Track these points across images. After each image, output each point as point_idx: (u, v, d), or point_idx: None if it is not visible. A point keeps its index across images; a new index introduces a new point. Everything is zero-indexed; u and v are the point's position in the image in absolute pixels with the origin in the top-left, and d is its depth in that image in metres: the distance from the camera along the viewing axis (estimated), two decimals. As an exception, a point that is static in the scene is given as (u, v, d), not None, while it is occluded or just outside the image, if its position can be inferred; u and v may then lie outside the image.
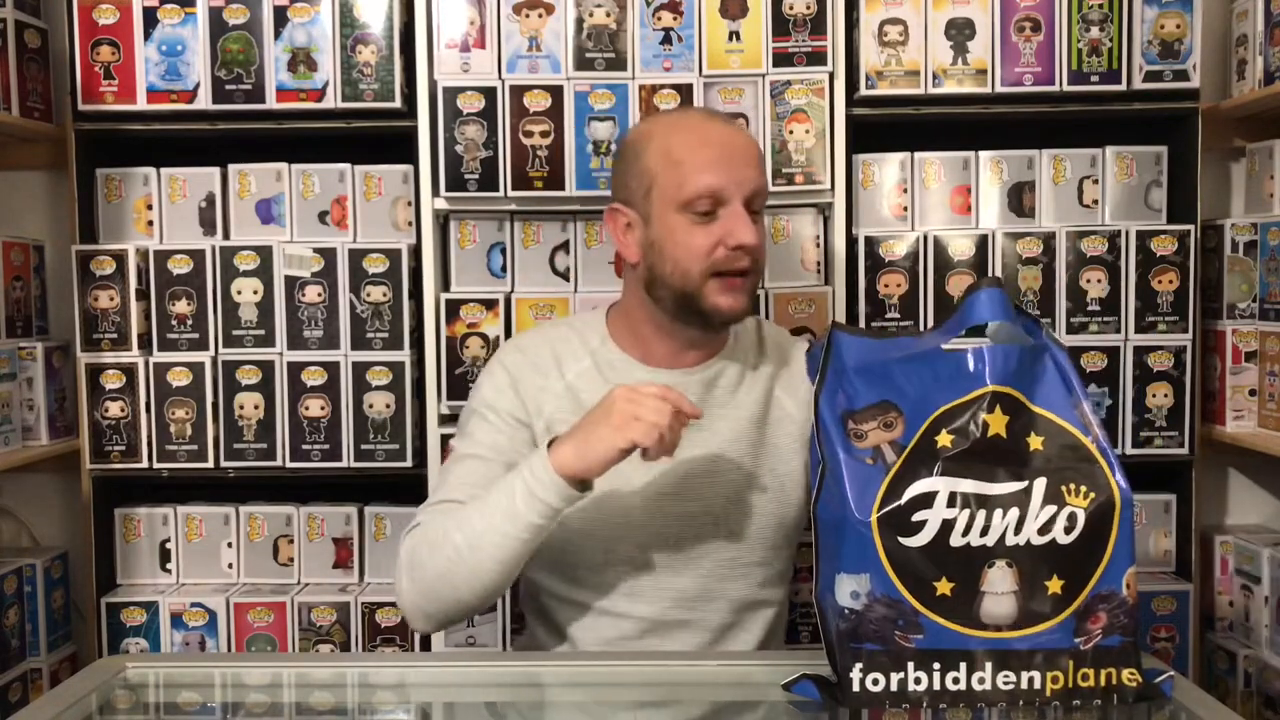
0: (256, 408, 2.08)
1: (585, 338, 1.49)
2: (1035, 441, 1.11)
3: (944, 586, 1.09)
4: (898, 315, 2.04)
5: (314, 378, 2.07)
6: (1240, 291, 2.09)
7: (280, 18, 2.05)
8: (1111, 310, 2.06)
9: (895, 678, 1.10)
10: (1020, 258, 2.05)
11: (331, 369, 2.07)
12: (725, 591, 1.43)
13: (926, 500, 1.09)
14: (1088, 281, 2.05)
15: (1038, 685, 1.10)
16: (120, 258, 2.08)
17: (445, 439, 2.01)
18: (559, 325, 1.54)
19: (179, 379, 2.08)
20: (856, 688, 1.11)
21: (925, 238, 2.05)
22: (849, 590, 1.10)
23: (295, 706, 1.33)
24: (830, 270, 2.03)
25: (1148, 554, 2.14)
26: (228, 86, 2.06)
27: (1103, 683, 1.10)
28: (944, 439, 1.11)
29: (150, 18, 2.06)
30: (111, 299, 2.09)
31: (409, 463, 2.07)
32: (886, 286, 2.04)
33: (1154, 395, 2.06)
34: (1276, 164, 2.08)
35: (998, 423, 1.11)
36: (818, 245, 2.05)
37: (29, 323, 2.20)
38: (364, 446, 2.07)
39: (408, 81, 2.05)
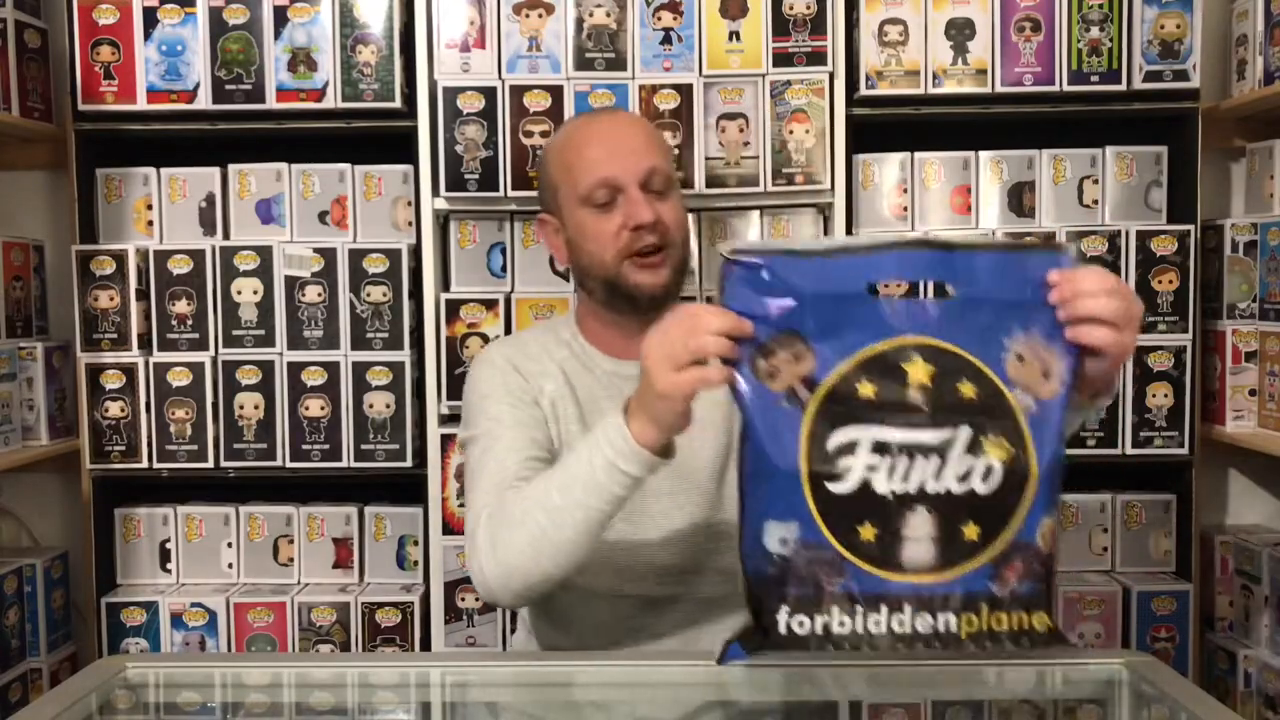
0: (256, 408, 2.08)
1: (559, 333, 1.55)
2: (966, 390, 1.11)
3: (867, 532, 1.11)
4: (898, 315, 2.04)
5: (314, 378, 2.07)
6: (1240, 291, 2.09)
7: (280, 18, 2.05)
8: (1111, 310, 2.05)
9: (819, 620, 1.12)
10: (1020, 258, 2.05)
11: (331, 369, 2.07)
12: (713, 563, 1.43)
13: (850, 448, 1.10)
14: (1088, 281, 2.05)
15: (954, 628, 1.12)
16: (120, 258, 2.08)
17: (445, 439, 2.01)
18: (531, 328, 1.64)
19: (179, 379, 2.08)
20: (782, 629, 1.12)
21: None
22: (777, 537, 1.11)
23: (295, 706, 1.33)
24: (830, 270, 2.03)
25: (1148, 554, 2.14)
26: (228, 86, 2.06)
27: (1015, 626, 1.13)
28: (866, 388, 1.11)
29: (150, 18, 2.06)
30: (111, 299, 2.09)
31: (409, 463, 2.07)
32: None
33: (1154, 395, 2.06)
34: (1276, 164, 2.08)
35: (921, 372, 1.11)
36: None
37: (29, 323, 2.20)
38: (364, 446, 2.07)
39: (408, 81, 2.05)
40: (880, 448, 1.10)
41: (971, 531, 1.11)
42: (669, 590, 1.43)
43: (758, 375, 1.11)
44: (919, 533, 1.11)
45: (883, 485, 1.10)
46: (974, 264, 1.13)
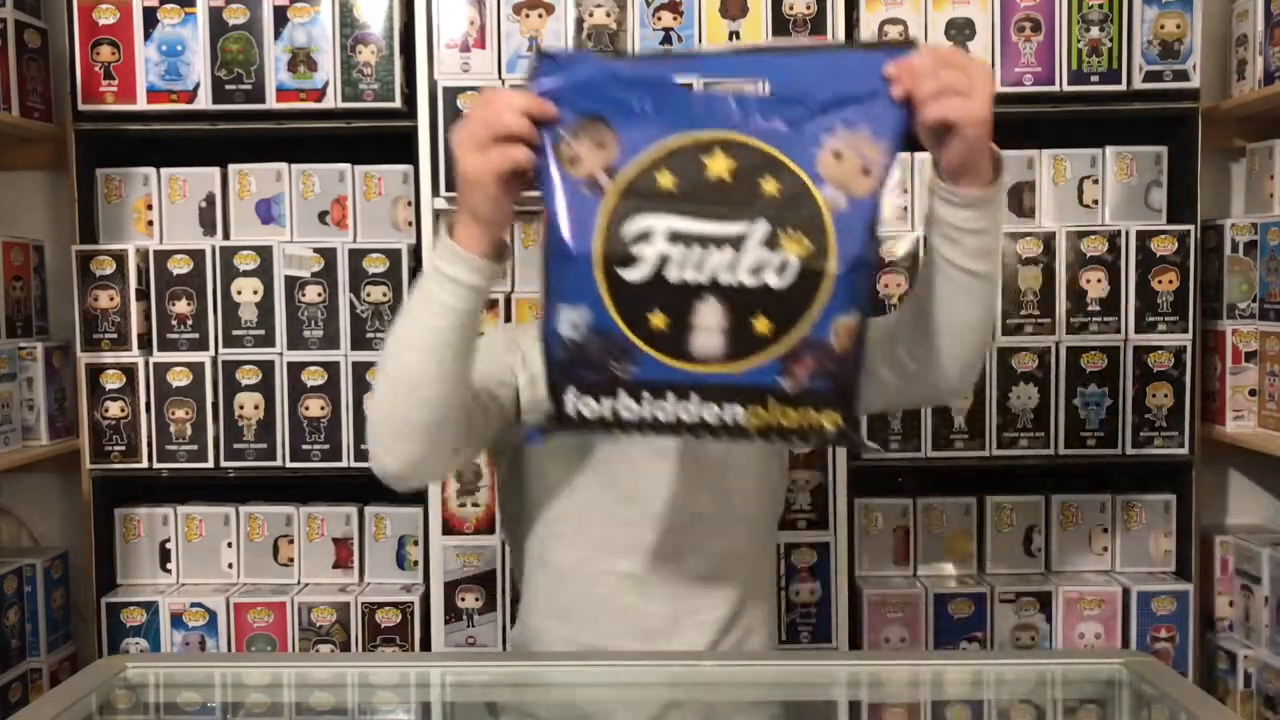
0: (256, 408, 2.08)
1: None
2: (768, 185, 1.10)
3: (658, 321, 1.09)
4: (898, 315, 2.04)
5: (314, 378, 2.07)
6: (1240, 291, 2.09)
7: (280, 18, 2.05)
8: (1111, 310, 2.06)
9: (607, 404, 1.11)
10: (1020, 258, 2.05)
11: (331, 369, 2.07)
12: (702, 544, 1.41)
13: (645, 236, 1.09)
14: (1088, 282, 2.05)
15: (741, 420, 1.11)
16: (120, 258, 2.08)
17: (445, 439, 2.01)
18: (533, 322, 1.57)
19: (179, 379, 2.08)
20: (570, 412, 1.12)
21: (925, 238, 2.04)
22: (569, 321, 1.11)
23: (295, 706, 1.33)
24: (830, 270, 2.03)
25: (1148, 554, 2.14)
26: (228, 86, 2.06)
27: (803, 423, 1.11)
28: (666, 178, 1.10)
29: (150, 18, 2.06)
30: (111, 299, 2.09)
31: (409, 463, 2.07)
32: (886, 286, 2.04)
33: (1154, 395, 2.06)
34: (1276, 164, 2.08)
35: (721, 165, 1.10)
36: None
37: (29, 323, 2.20)
38: (364, 446, 2.07)
39: (408, 81, 2.05)
40: (675, 237, 1.09)
41: (763, 325, 1.09)
42: (655, 570, 1.42)
43: (560, 161, 1.10)
44: (709, 323, 1.09)
45: (675, 274, 1.08)
46: (795, 64, 1.12)
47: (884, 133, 1.10)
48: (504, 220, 1.18)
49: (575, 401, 1.12)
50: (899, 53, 1.10)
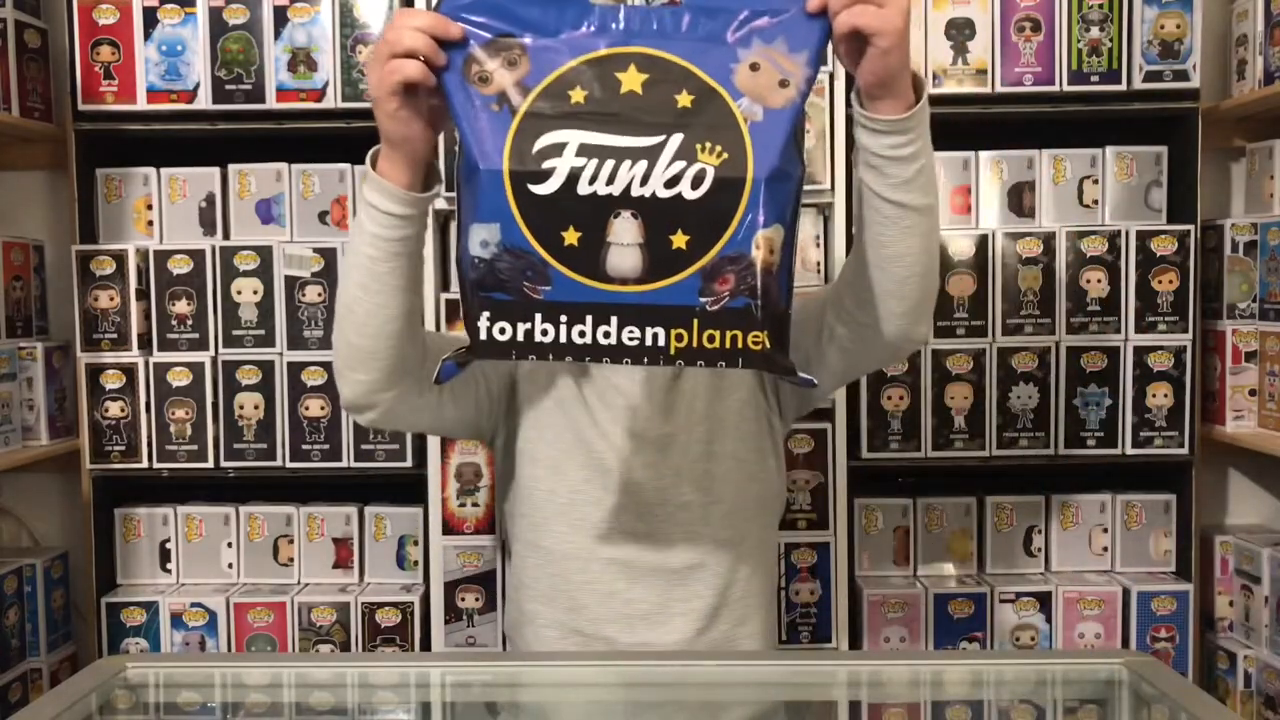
0: (256, 408, 2.08)
1: None
2: (682, 98, 1.08)
3: (571, 237, 1.07)
4: (898, 315, 2.04)
5: (314, 378, 2.07)
6: (1240, 291, 2.09)
7: (280, 18, 2.05)
8: (1111, 310, 2.06)
9: (522, 327, 1.09)
10: (1020, 258, 2.05)
11: (331, 369, 2.07)
12: (687, 532, 1.41)
13: (556, 150, 1.07)
14: (1088, 281, 2.06)
15: (662, 342, 1.09)
16: (120, 258, 2.08)
17: (446, 439, 2.01)
18: None
19: (179, 379, 2.08)
20: (484, 336, 1.10)
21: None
22: (479, 239, 1.09)
23: (295, 706, 1.33)
24: (830, 270, 2.03)
25: (1148, 554, 2.14)
26: (228, 86, 2.06)
27: (727, 344, 1.09)
28: (577, 94, 1.08)
29: (150, 18, 2.06)
30: (111, 299, 2.09)
31: (409, 463, 2.07)
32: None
33: (1154, 395, 2.06)
34: (1276, 164, 2.08)
35: (633, 80, 1.09)
36: (818, 245, 2.05)
37: (29, 323, 2.20)
38: (364, 446, 2.07)
39: (408, 81, 2.05)
40: (586, 150, 1.07)
41: (680, 240, 1.07)
42: (641, 556, 1.42)
43: (469, 80, 1.09)
44: (624, 239, 1.07)
45: (586, 187, 1.06)
46: None
47: (802, 45, 1.08)
48: (414, 142, 1.17)
49: (489, 325, 1.09)
50: None
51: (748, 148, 1.07)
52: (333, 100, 2.05)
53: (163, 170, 2.13)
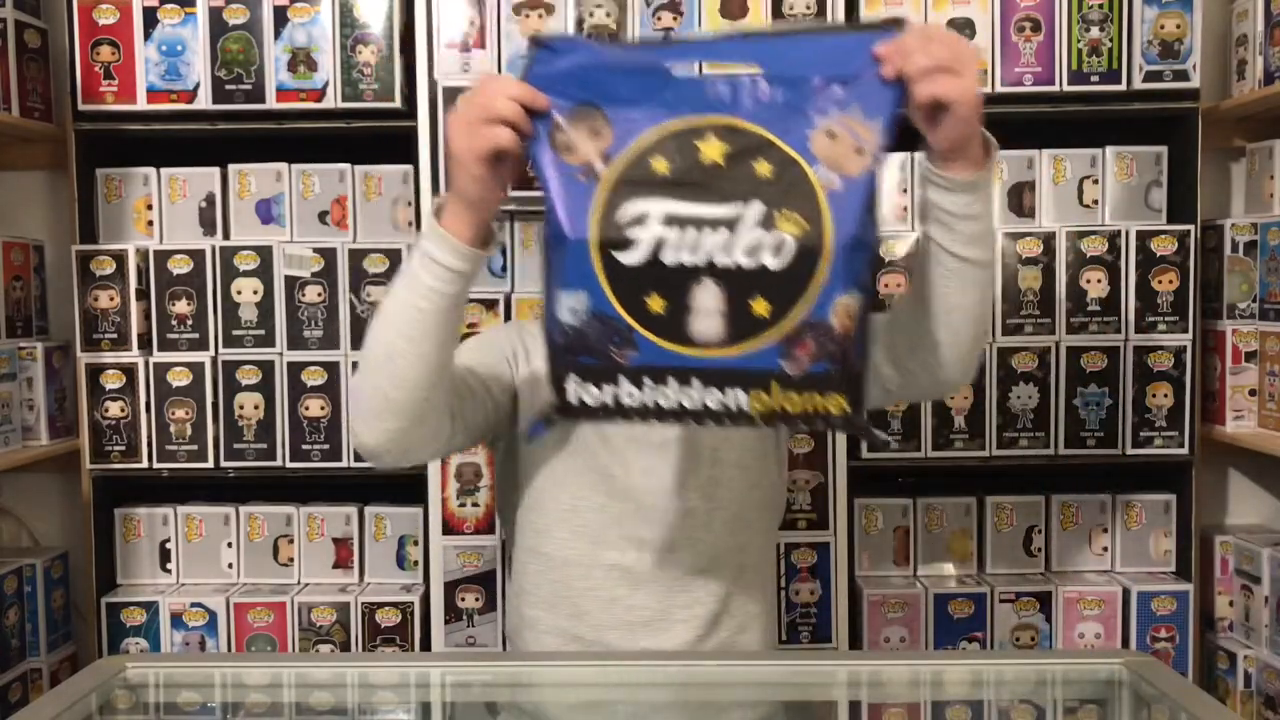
0: (256, 408, 2.08)
1: None
2: (761, 167, 1.10)
3: (656, 304, 1.10)
4: (898, 315, 2.04)
5: (314, 378, 2.07)
6: (1240, 291, 2.09)
7: (280, 18, 2.05)
8: (1111, 310, 2.06)
9: (609, 390, 1.12)
10: (1020, 258, 2.05)
11: (331, 369, 2.07)
12: (691, 540, 1.41)
13: (641, 220, 1.10)
14: (1088, 281, 2.06)
15: (744, 405, 1.11)
16: (120, 258, 2.08)
17: (445, 439, 2.01)
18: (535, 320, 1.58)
19: (179, 379, 2.08)
20: (571, 399, 1.13)
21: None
22: (568, 306, 1.11)
23: (295, 706, 1.33)
24: (830, 270, 2.03)
25: (1148, 554, 2.14)
26: (228, 86, 2.06)
27: (807, 408, 1.11)
28: (660, 163, 1.10)
29: (150, 18, 2.06)
30: (111, 299, 2.09)
31: (409, 463, 2.07)
32: (886, 286, 2.04)
33: (1154, 395, 2.06)
34: (1276, 164, 2.08)
35: (714, 149, 1.11)
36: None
37: (29, 323, 2.20)
38: (364, 446, 2.07)
39: (408, 81, 2.05)
40: (671, 220, 1.09)
41: (761, 307, 1.09)
42: (644, 563, 1.42)
43: (556, 148, 1.11)
44: (707, 306, 1.10)
45: (671, 256, 1.09)
46: (786, 47, 1.12)
47: (876, 112, 1.09)
48: (490, 204, 1.18)
49: (577, 389, 1.12)
50: (888, 33, 1.10)
51: (826, 216, 1.09)
52: (333, 100, 2.05)
53: (163, 170, 2.13)
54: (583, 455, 1.41)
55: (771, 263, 1.08)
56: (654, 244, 1.09)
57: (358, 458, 2.07)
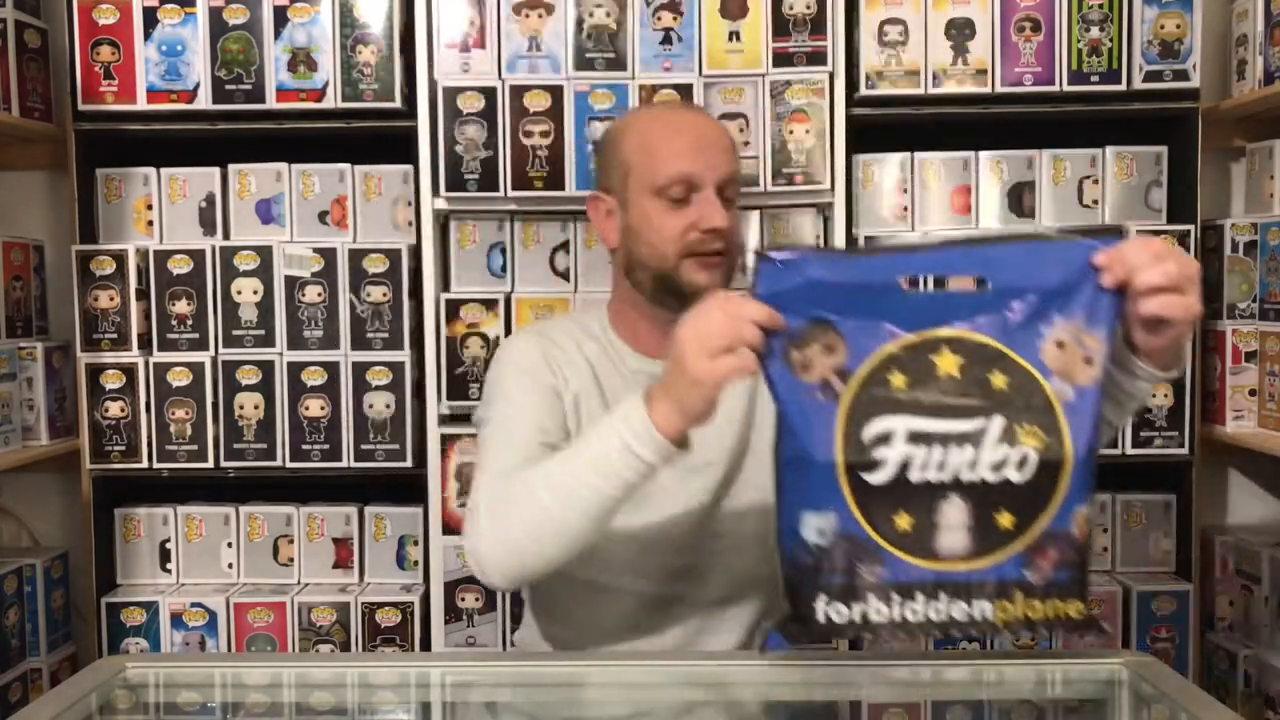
0: (256, 408, 2.08)
1: (587, 326, 1.53)
2: (997, 380, 1.12)
3: (903, 522, 1.12)
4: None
5: (314, 378, 2.07)
6: (1240, 291, 2.09)
7: (280, 18, 2.05)
8: (1111, 310, 2.05)
9: (857, 609, 1.13)
10: (1020, 258, 2.05)
11: (331, 369, 2.07)
12: (720, 565, 1.43)
13: (885, 438, 1.11)
14: (1088, 281, 2.05)
15: (990, 616, 1.13)
16: (120, 258, 2.08)
17: (445, 439, 2.01)
18: (560, 318, 1.58)
19: (179, 379, 2.08)
20: (821, 619, 1.13)
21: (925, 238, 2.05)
22: (815, 528, 1.12)
23: (295, 706, 1.33)
24: (830, 270, 2.03)
25: (1148, 554, 2.14)
26: (228, 86, 2.06)
27: (1051, 615, 1.14)
28: (897, 379, 1.12)
29: (150, 18, 2.06)
30: (111, 299, 2.09)
31: (409, 463, 2.07)
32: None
33: (1154, 395, 2.06)
34: (1276, 164, 2.08)
35: (948, 363, 1.12)
36: (817, 245, 2.05)
37: (29, 323, 2.20)
38: (364, 446, 2.07)
39: (408, 81, 2.05)
40: (915, 437, 1.11)
41: (1006, 520, 1.12)
42: (675, 590, 1.43)
43: (790, 367, 1.12)
44: (954, 521, 1.12)
45: (918, 474, 1.11)
46: (1011, 256, 1.14)
47: (1100, 321, 1.13)
48: (706, 417, 1.18)
49: (825, 608, 1.13)
50: (1108, 240, 1.13)
51: (1064, 429, 1.12)
52: (333, 100, 2.05)
53: (163, 170, 2.13)
54: None
55: (1015, 476, 1.11)
56: (900, 463, 1.11)
57: (358, 458, 2.07)
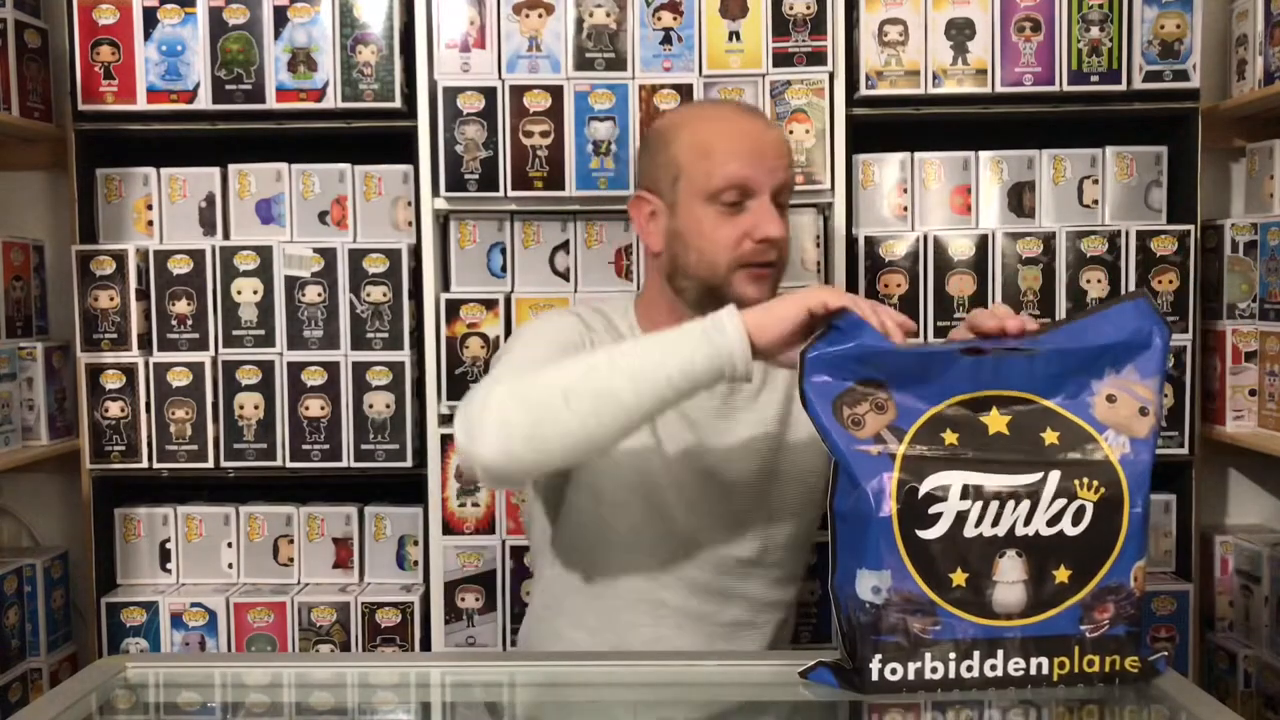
0: (256, 408, 2.08)
1: (614, 322, 1.48)
2: (1050, 436, 1.14)
3: (959, 578, 1.12)
4: (898, 315, 2.04)
5: (314, 378, 2.07)
6: (1240, 291, 2.09)
7: (280, 18, 2.05)
8: (1111, 310, 2.05)
9: (912, 667, 1.13)
10: (1020, 258, 2.05)
11: (331, 369, 2.07)
12: (742, 589, 1.43)
13: (940, 494, 1.12)
14: (1088, 282, 2.05)
15: (1045, 670, 1.14)
16: (120, 258, 2.08)
17: (445, 439, 2.01)
18: (583, 308, 1.51)
19: (179, 379, 2.08)
20: (875, 677, 1.14)
21: (925, 238, 2.05)
22: (870, 585, 1.13)
23: (295, 706, 1.33)
24: (830, 270, 2.03)
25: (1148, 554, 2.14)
26: (228, 86, 2.06)
27: (1106, 668, 1.15)
28: (950, 436, 1.13)
29: (150, 18, 2.06)
30: (111, 299, 2.09)
31: (409, 463, 2.07)
32: (886, 287, 2.04)
33: (1154, 395, 2.06)
34: (1276, 164, 2.08)
35: (997, 421, 1.14)
36: (818, 245, 2.05)
37: (29, 323, 2.20)
38: (364, 446, 2.07)
39: (408, 81, 2.05)
40: (969, 493, 1.12)
41: (1062, 574, 1.13)
42: (699, 608, 1.43)
43: (843, 423, 1.14)
44: (1010, 576, 1.13)
45: (972, 529, 1.12)
46: (1055, 335, 1.17)
47: (1152, 370, 1.15)
48: (784, 341, 1.17)
49: (880, 667, 1.14)
50: (1139, 303, 1.16)
51: (1123, 482, 1.14)
52: (333, 100, 2.05)
53: (163, 170, 2.13)
54: (644, 494, 1.40)
55: (1071, 530, 1.12)
56: (955, 518, 1.12)
57: (358, 458, 2.07)
